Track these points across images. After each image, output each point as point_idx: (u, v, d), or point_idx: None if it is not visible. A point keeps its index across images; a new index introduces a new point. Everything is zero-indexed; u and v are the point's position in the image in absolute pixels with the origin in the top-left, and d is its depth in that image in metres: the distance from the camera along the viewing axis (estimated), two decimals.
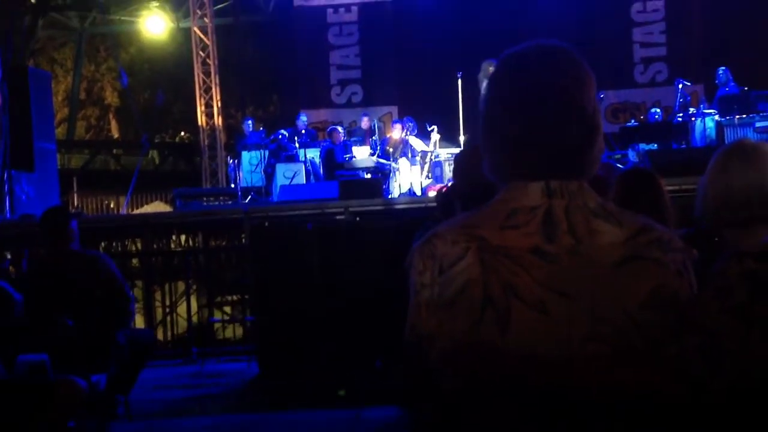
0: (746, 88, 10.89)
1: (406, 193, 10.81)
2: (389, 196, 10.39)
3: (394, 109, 14.45)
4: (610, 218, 1.35)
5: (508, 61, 1.40)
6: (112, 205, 17.88)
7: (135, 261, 8.51)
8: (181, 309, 8.07)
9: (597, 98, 1.41)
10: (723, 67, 11.38)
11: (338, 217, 8.22)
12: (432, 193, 9.80)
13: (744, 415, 1.27)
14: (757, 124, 9.76)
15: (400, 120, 12.27)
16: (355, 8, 14.87)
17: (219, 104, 14.65)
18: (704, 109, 10.90)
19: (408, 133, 11.57)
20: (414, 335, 1.40)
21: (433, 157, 11.40)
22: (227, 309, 8.30)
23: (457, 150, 10.77)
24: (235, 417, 5.36)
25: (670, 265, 1.33)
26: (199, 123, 14.76)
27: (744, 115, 10.03)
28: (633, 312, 1.29)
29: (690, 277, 1.35)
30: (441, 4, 14.18)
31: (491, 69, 9.38)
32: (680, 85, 11.46)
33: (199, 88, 14.56)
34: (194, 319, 8.03)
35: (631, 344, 1.28)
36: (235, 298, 8.29)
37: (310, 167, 11.45)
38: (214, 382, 6.50)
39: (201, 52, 14.56)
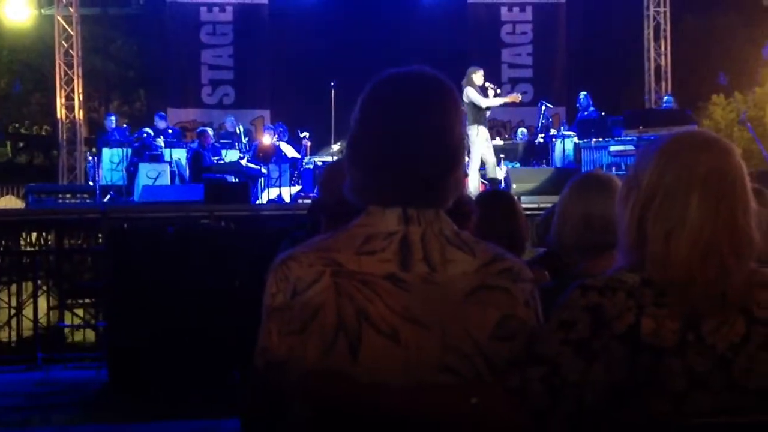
0: (604, 113, 11.53)
1: (274, 199, 10.69)
2: (257, 202, 10.24)
3: (267, 113, 14.30)
4: (464, 247, 1.36)
5: (380, 83, 1.39)
6: None
7: None
8: (28, 311, 7.60)
9: (463, 131, 1.42)
10: (584, 92, 12.02)
11: (203, 222, 8.00)
12: (301, 202, 9.75)
13: None
14: (612, 148, 10.32)
15: (272, 126, 12.15)
16: (230, 8, 14.61)
17: (81, 97, 13.99)
18: (564, 130, 11.46)
19: (279, 138, 11.46)
20: (263, 360, 1.36)
21: (303, 165, 11.34)
22: (79, 312, 7.89)
23: (328, 159, 10.77)
24: (81, 428, 5.10)
25: (519, 295, 1.35)
26: (59, 116, 14.03)
27: (601, 139, 10.57)
28: (481, 342, 1.30)
29: (537, 307, 1.38)
30: (318, 12, 14.16)
31: (475, 76, 9.44)
32: (543, 107, 11.98)
33: (60, 80, 13.85)
34: (42, 322, 7.58)
35: (478, 374, 1.30)
36: (87, 301, 7.90)
37: (175, 168, 11.11)
38: (60, 390, 6.14)
39: (64, 42, 13.86)
